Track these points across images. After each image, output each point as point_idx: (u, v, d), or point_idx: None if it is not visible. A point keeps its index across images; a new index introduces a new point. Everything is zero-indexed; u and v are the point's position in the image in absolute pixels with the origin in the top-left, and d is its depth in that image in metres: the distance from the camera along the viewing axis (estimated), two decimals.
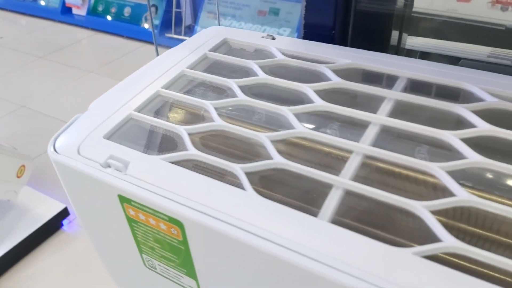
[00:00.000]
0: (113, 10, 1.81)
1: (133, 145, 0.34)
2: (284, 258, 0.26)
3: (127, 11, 1.78)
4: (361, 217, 0.28)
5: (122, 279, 0.45)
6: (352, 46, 0.50)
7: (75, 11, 1.92)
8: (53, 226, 0.85)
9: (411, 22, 0.69)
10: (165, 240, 0.32)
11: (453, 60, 0.75)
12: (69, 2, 1.91)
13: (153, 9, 1.73)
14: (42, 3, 1.96)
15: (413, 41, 0.75)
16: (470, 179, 0.29)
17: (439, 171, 0.28)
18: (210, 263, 0.31)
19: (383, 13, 0.51)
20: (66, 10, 1.93)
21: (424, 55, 0.78)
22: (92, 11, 1.84)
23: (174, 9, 1.62)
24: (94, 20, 1.81)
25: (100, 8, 1.84)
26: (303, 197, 0.30)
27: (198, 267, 0.32)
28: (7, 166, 0.80)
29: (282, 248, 0.26)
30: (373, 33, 0.52)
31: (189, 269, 0.33)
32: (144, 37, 1.70)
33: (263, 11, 1.60)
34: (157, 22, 1.68)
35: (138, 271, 0.39)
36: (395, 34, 0.64)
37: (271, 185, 0.31)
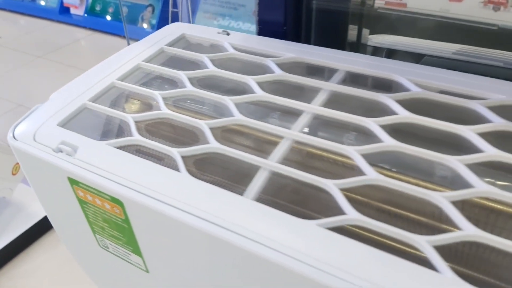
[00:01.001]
0: (110, 10, 1.84)
1: (84, 132, 0.37)
2: (210, 232, 0.28)
3: (124, 11, 1.81)
4: (284, 196, 0.31)
5: (84, 262, 0.48)
6: (306, 42, 0.53)
7: (73, 11, 1.94)
8: (48, 223, 0.87)
9: (375, 19, 0.71)
10: (111, 219, 0.35)
11: (419, 57, 0.78)
12: (67, 2, 1.93)
13: (150, 9, 1.75)
14: (42, 3, 1.98)
15: (375, 39, 0.78)
16: (388, 162, 0.32)
17: (354, 153, 0.31)
18: (151, 240, 0.33)
19: (336, 10, 0.53)
20: (64, 10, 1.95)
21: (391, 53, 0.81)
22: (90, 11, 1.87)
23: (170, 9, 1.64)
24: (92, 20, 1.84)
25: (97, 8, 1.86)
26: (234, 178, 0.32)
27: (141, 245, 0.35)
28: (2, 163, 0.82)
29: (209, 223, 0.28)
30: (327, 29, 0.55)
31: (135, 247, 0.36)
32: (141, 37, 1.72)
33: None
34: (154, 21, 1.70)
35: (95, 252, 0.42)
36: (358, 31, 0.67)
37: (208, 168, 0.33)
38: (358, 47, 0.64)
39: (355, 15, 0.59)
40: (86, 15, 1.87)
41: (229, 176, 0.32)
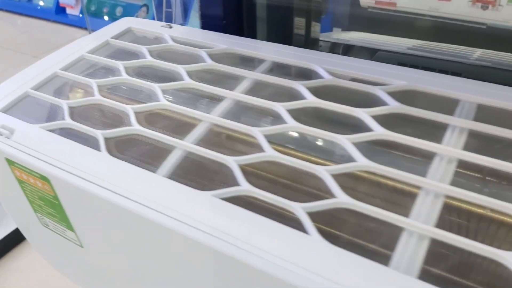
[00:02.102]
0: (105, 10, 1.86)
1: (24, 117, 0.40)
2: (124, 206, 0.31)
3: (119, 11, 1.83)
4: (194, 172, 0.34)
5: (36, 243, 0.51)
6: (251, 36, 0.56)
7: (69, 11, 1.97)
8: None
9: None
10: (45, 197, 0.38)
11: (375, 53, 0.81)
12: (63, 2, 1.96)
13: (144, 8, 1.78)
14: (41, 3, 2.01)
15: (327, 34, 0.81)
16: (292, 142, 0.35)
17: (258, 134, 0.34)
18: (79, 215, 0.36)
19: (280, 5, 0.56)
20: (60, 10, 1.97)
21: (348, 48, 0.84)
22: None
23: (164, 9, 1.66)
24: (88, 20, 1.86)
25: (93, 8, 1.89)
26: (151, 157, 0.35)
27: (72, 220, 0.38)
28: None
29: (122, 197, 0.31)
30: (272, 24, 0.58)
31: (67, 223, 0.39)
32: None
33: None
34: None
35: (40, 231, 0.45)
36: (313, 25, 0.69)
37: (129, 148, 0.36)
38: (308, 42, 0.67)
39: (301, 11, 0.62)
40: (81, 15, 1.89)
41: (147, 155, 0.35)
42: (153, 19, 1.70)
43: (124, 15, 1.79)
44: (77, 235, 0.39)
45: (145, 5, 1.75)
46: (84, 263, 0.44)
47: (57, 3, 1.96)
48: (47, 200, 0.38)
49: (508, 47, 0.67)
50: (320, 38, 0.75)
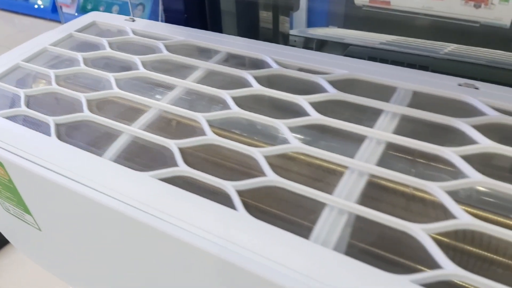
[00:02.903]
0: (101, 8, 1.87)
1: None
2: (69, 187, 0.33)
3: (115, 9, 1.84)
4: (137, 155, 0.35)
5: (5, 231, 0.52)
6: (215, 30, 0.57)
7: (65, 9, 1.97)
8: None
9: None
10: (1, 182, 0.39)
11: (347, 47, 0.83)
12: (59, 0, 1.96)
13: (140, 7, 1.79)
14: (39, 1, 2.01)
15: (302, 30, 0.83)
16: (237, 126, 0.37)
17: (201, 118, 0.35)
18: (33, 198, 0.38)
19: (241, 0, 0.58)
20: (57, 9, 1.98)
21: (322, 44, 0.86)
22: (81, 10, 1.90)
23: (161, 7, 1.67)
24: None
25: (89, 7, 1.90)
26: (100, 142, 0.37)
27: (27, 203, 0.39)
28: None
29: (67, 179, 0.33)
30: (238, 18, 0.60)
31: (24, 206, 0.40)
32: None
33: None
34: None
35: (4, 217, 0.46)
36: (282, 20, 0.71)
37: (78, 134, 0.38)
38: (278, 37, 0.68)
39: (267, 5, 0.63)
40: (77, 14, 1.90)
41: (96, 140, 0.37)
42: (149, 18, 1.71)
43: (120, 13, 1.79)
44: (34, 218, 0.41)
45: (141, 3, 1.76)
46: (45, 246, 0.45)
47: (53, 1, 1.97)
48: (4, 184, 0.39)
49: (501, 45, 0.68)
50: (291, 33, 0.77)
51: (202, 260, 0.27)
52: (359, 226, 0.28)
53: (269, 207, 0.30)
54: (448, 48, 0.78)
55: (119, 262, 0.36)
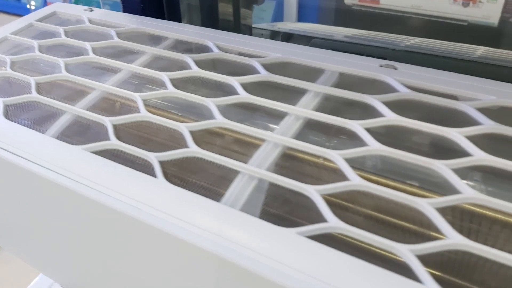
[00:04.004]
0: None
1: None
2: (12, 161, 0.35)
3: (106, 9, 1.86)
4: (77, 132, 0.38)
5: None
6: (174, 19, 0.60)
7: None
8: None
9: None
10: None
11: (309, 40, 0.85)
12: (50, 0, 1.98)
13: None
14: (32, 2, 2.03)
15: (271, 24, 0.85)
16: (170, 106, 0.39)
17: (137, 97, 0.38)
18: None
19: None
20: None
21: (288, 36, 0.88)
22: None
23: None
24: None
25: None
26: (44, 121, 0.39)
27: None
28: None
29: (9, 153, 0.35)
30: (197, 9, 0.62)
31: None
32: None
33: (251, 12, 1.67)
34: None
35: None
36: (244, 12, 0.73)
37: (25, 114, 0.40)
38: (240, 29, 0.71)
39: None
40: None
41: (41, 119, 0.39)
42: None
43: None
44: None
45: None
46: (5, 224, 0.48)
47: (45, 2, 1.99)
48: None
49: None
50: (253, 26, 0.79)
51: (118, 220, 0.29)
52: (268, 190, 0.30)
53: (189, 176, 0.32)
54: (412, 41, 0.81)
55: (69, 235, 0.39)
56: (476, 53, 0.73)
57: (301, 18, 1.46)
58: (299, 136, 0.34)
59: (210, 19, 0.64)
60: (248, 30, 0.75)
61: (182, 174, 0.32)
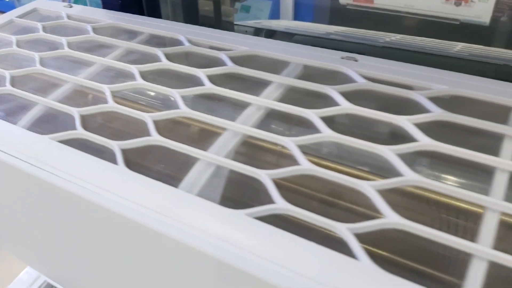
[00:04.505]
0: None
1: None
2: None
3: None
4: (46, 122, 0.39)
5: None
6: (151, 15, 0.61)
7: None
8: None
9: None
10: None
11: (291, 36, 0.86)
12: None
13: None
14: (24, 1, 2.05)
15: (256, 22, 0.86)
16: (139, 97, 0.40)
17: (106, 89, 0.39)
18: None
19: None
20: None
21: (271, 33, 0.90)
22: None
23: None
24: None
25: None
26: (17, 113, 0.40)
27: None
28: None
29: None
30: (178, 5, 0.63)
31: None
32: None
33: (234, 8, 1.68)
34: None
35: None
36: (225, 9, 0.74)
37: (3, 107, 0.41)
38: (221, 26, 0.72)
39: None
40: None
41: (14, 111, 0.40)
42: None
43: None
44: None
45: None
46: None
47: None
48: None
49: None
50: (237, 23, 0.81)
51: (80, 205, 0.30)
52: (225, 176, 0.32)
53: (151, 164, 0.33)
54: (390, 38, 0.82)
55: (44, 224, 0.40)
56: (453, 49, 0.74)
57: (297, 17, 1.47)
58: (260, 125, 0.35)
59: (189, 16, 0.66)
60: (231, 27, 0.76)
61: (144, 162, 0.33)
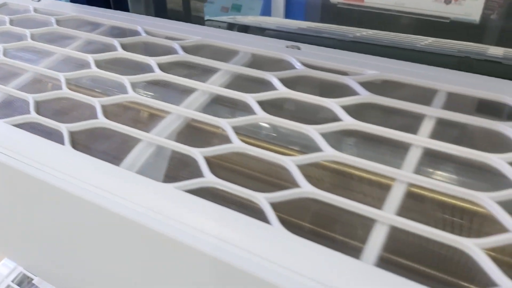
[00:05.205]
0: None
1: None
2: None
3: None
4: (5, 107, 0.41)
5: None
6: (118, 9, 0.63)
7: None
8: None
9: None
10: None
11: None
12: None
13: None
14: None
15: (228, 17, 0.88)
16: (92, 83, 0.43)
17: (61, 76, 0.41)
18: None
19: None
20: None
21: (244, 28, 0.92)
22: None
23: None
24: None
25: None
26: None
27: None
28: None
29: None
30: None
31: None
32: None
33: (226, 7, 1.70)
34: None
35: None
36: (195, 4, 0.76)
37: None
38: (191, 21, 0.74)
39: None
40: None
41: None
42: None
43: None
44: None
45: None
46: None
47: None
48: None
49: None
50: (210, 19, 0.83)
51: (30, 185, 0.33)
52: (166, 156, 0.34)
53: (97, 145, 0.35)
54: (361, 33, 0.85)
55: (15, 211, 0.42)
56: (420, 43, 0.77)
57: (288, 16, 1.49)
58: (203, 109, 0.37)
59: (157, 9, 0.68)
60: (202, 23, 0.78)
61: (91, 143, 0.35)
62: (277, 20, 0.94)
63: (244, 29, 0.90)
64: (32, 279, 0.85)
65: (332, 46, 0.77)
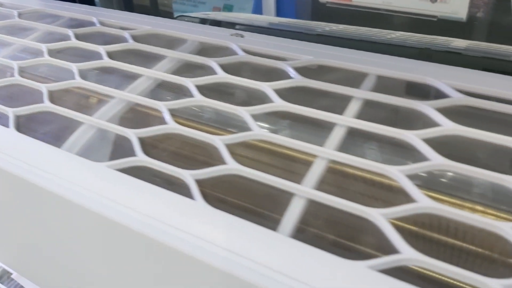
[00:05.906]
0: None
1: None
2: None
3: None
4: None
5: None
6: (84, 3, 0.64)
7: None
8: None
9: None
10: None
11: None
12: None
13: None
14: None
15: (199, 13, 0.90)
16: (46, 73, 0.44)
17: (14, 64, 0.42)
18: None
19: None
20: None
21: (216, 23, 0.93)
22: None
23: None
24: None
25: None
26: None
27: None
28: None
29: None
30: None
31: None
32: None
33: (217, 8, 1.71)
34: None
35: None
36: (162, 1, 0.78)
37: None
38: (159, 15, 0.75)
39: None
40: None
41: None
42: None
43: None
44: None
45: None
46: None
47: None
48: None
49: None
50: (182, 14, 0.84)
51: None
52: (104, 138, 0.35)
53: (40, 128, 0.37)
54: (331, 28, 0.87)
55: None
56: (386, 37, 0.79)
57: (279, 16, 1.50)
58: (147, 94, 0.38)
59: (124, 4, 0.69)
60: (169, 17, 0.79)
61: (34, 126, 0.37)
62: (248, 16, 0.96)
63: (216, 24, 0.92)
64: (11, 274, 0.86)
65: (301, 39, 0.79)
